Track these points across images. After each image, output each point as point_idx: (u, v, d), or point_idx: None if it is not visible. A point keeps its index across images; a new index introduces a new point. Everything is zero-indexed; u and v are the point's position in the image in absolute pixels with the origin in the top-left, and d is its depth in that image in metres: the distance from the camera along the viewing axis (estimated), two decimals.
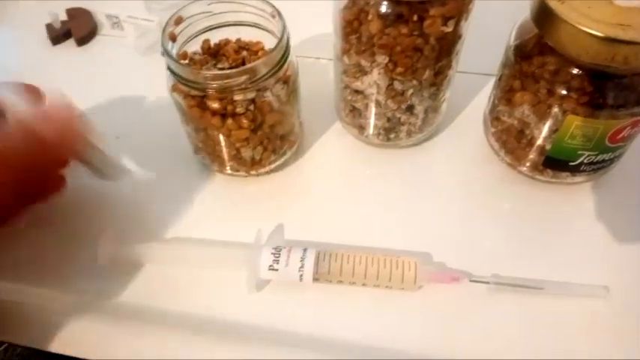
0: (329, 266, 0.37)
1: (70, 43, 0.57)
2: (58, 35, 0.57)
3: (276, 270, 0.37)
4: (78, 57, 0.56)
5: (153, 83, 0.52)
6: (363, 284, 0.37)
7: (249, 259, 0.37)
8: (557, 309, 0.37)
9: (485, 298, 0.38)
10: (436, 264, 0.39)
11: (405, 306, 0.38)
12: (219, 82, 0.37)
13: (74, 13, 0.58)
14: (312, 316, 0.38)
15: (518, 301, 0.37)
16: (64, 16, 0.58)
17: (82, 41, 0.56)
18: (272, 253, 0.37)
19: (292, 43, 0.40)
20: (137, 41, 0.55)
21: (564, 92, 0.36)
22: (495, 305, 0.37)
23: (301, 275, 0.37)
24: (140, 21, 0.54)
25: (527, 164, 0.42)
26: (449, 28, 0.36)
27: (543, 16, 0.35)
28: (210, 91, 0.38)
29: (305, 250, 0.37)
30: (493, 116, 0.43)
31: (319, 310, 0.38)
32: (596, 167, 0.40)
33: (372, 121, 0.44)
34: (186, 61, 0.42)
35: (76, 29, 0.56)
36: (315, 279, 0.37)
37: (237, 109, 0.39)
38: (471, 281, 0.37)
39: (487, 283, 0.37)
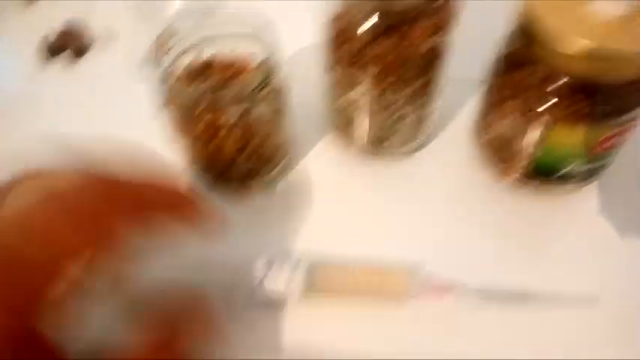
0: (319, 279, 0.37)
1: (65, 57, 0.57)
2: (54, 49, 0.57)
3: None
4: (73, 70, 0.56)
5: (147, 96, 0.53)
6: (354, 295, 0.37)
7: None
8: (546, 319, 0.37)
9: (475, 309, 0.38)
10: (427, 274, 0.39)
11: (395, 317, 0.38)
12: (211, 96, 0.37)
13: (69, 26, 0.58)
14: (303, 330, 0.38)
15: (508, 311, 0.38)
16: (59, 30, 0.58)
17: (78, 54, 0.57)
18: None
19: (284, 53, 0.40)
20: (131, 53, 0.55)
21: (552, 102, 0.36)
22: (485, 316, 0.38)
23: (290, 290, 0.37)
24: (134, 33, 0.55)
25: (517, 173, 0.42)
26: (437, 39, 0.36)
27: (528, 27, 0.35)
28: (202, 105, 0.38)
29: (295, 264, 0.38)
30: (482, 125, 0.44)
31: (310, 324, 0.38)
32: (585, 175, 0.40)
33: (363, 130, 0.44)
34: (177, 77, 0.42)
35: (71, 42, 0.57)
36: (305, 293, 0.37)
37: (227, 124, 0.39)
38: (460, 293, 0.37)
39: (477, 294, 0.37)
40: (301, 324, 0.38)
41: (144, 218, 0.27)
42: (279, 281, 0.37)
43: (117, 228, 0.26)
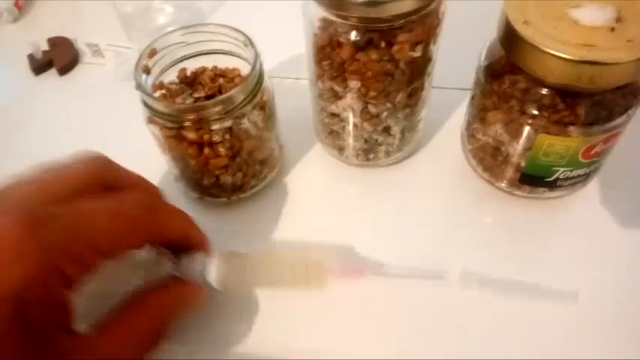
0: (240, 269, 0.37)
1: (52, 72, 0.57)
2: (40, 65, 0.57)
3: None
4: (60, 86, 0.56)
5: (135, 110, 0.52)
6: (270, 285, 0.38)
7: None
8: (527, 313, 0.38)
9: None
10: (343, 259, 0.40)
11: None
12: (195, 113, 0.37)
13: (55, 43, 0.58)
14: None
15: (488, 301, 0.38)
16: (45, 46, 0.58)
17: (64, 70, 0.57)
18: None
19: (270, 64, 0.41)
20: (117, 68, 0.55)
21: (535, 111, 0.36)
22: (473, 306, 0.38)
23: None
24: (120, 48, 0.55)
25: (505, 180, 0.42)
26: (417, 53, 0.36)
27: (509, 38, 0.36)
28: (186, 122, 0.38)
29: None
30: (469, 134, 0.44)
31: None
32: (573, 182, 0.40)
33: (350, 142, 0.44)
34: (162, 92, 0.42)
35: (57, 59, 0.57)
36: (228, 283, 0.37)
37: (214, 138, 0.39)
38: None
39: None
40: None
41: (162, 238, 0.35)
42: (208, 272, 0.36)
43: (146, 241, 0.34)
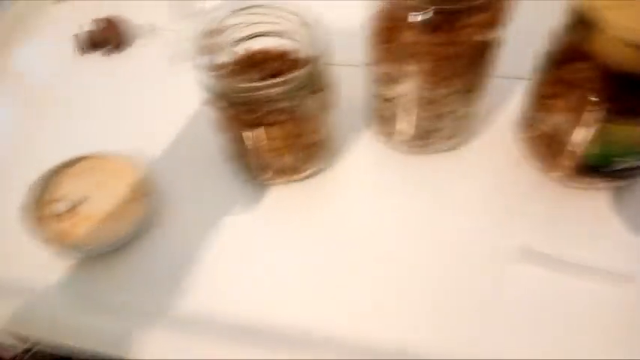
0: None
1: (100, 53, 0.57)
2: (88, 45, 0.57)
3: None
4: (107, 67, 0.57)
5: (183, 92, 0.52)
6: None
7: None
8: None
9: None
10: None
11: None
12: (255, 93, 0.37)
13: (103, 24, 0.58)
14: None
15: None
16: (91, 27, 0.58)
17: (112, 51, 0.57)
18: None
19: (330, 49, 0.40)
20: (167, 51, 0.55)
21: (601, 100, 0.36)
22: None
23: None
24: (169, 31, 0.55)
25: (560, 171, 0.42)
26: (484, 37, 0.36)
27: (582, 24, 0.35)
28: (246, 103, 0.38)
29: None
30: (526, 122, 0.43)
31: None
32: (632, 173, 0.40)
33: (403, 128, 0.44)
34: (223, 73, 0.42)
35: (105, 39, 0.57)
36: None
37: (272, 120, 0.39)
38: None
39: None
40: None
41: None
42: None
43: None
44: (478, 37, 0.36)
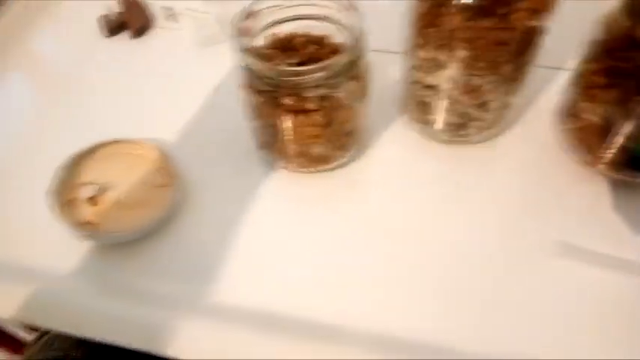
0: None
1: (125, 35, 0.56)
2: (113, 27, 0.56)
3: None
4: (133, 50, 0.55)
5: (209, 76, 0.52)
6: None
7: None
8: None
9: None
10: None
11: None
12: (294, 78, 0.36)
13: (129, 5, 0.57)
14: None
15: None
16: (119, 8, 0.57)
17: (137, 33, 0.56)
18: None
19: (367, 36, 0.39)
20: (194, 34, 0.54)
21: None
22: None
23: None
24: (196, 13, 0.53)
25: (605, 163, 0.40)
26: (536, 22, 0.35)
27: (638, 11, 0.33)
28: (283, 88, 0.37)
29: None
30: (569, 113, 0.42)
31: None
32: None
33: (442, 117, 0.42)
34: (257, 58, 0.41)
35: (130, 21, 0.56)
36: None
37: (309, 106, 0.38)
38: None
39: None
40: None
41: None
42: None
43: None
44: (530, 23, 0.34)
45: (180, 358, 0.37)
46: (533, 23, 0.34)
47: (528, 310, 0.37)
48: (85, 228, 0.40)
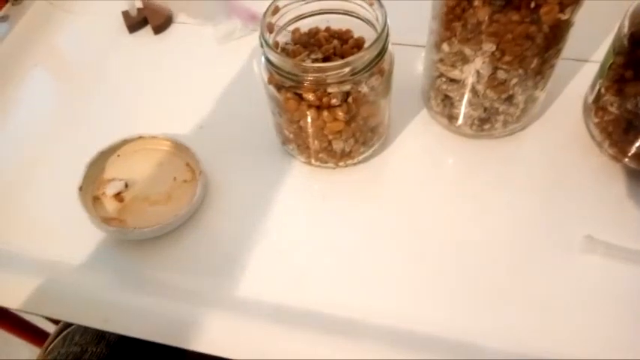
0: None
1: (147, 30, 0.56)
2: (135, 23, 0.56)
3: None
4: (154, 45, 0.56)
5: (230, 72, 0.52)
6: None
7: None
8: None
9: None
10: None
11: None
12: (319, 74, 0.36)
13: (149, 2, 0.57)
14: None
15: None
16: (141, 4, 0.57)
17: (159, 29, 0.56)
18: None
19: (391, 32, 0.38)
20: (214, 30, 0.54)
21: None
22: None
23: None
24: (214, 13, 0.53)
25: (632, 156, 0.40)
26: (565, 16, 0.34)
27: None
28: (307, 83, 0.37)
29: None
30: (598, 106, 0.41)
31: None
32: None
33: (467, 111, 0.42)
34: (281, 54, 0.41)
35: (152, 17, 0.56)
36: None
37: (333, 101, 0.38)
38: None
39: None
40: None
41: None
42: None
43: None
44: (559, 16, 0.34)
45: (204, 352, 0.37)
46: (562, 17, 0.34)
47: (555, 307, 0.36)
48: (112, 224, 0.41)
